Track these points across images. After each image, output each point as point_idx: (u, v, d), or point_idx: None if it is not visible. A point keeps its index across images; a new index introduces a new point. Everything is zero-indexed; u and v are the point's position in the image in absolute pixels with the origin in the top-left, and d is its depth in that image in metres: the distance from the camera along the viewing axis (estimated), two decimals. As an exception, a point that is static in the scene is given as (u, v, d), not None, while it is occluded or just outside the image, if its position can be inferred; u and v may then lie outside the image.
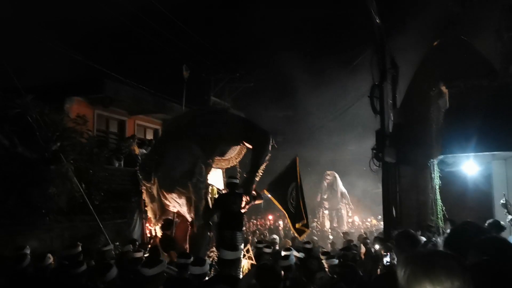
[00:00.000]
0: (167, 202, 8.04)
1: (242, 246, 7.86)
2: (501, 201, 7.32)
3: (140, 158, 12.87)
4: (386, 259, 7.79)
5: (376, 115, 10.28)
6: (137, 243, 8.20)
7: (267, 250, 7.05)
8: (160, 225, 8.30)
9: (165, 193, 7.76)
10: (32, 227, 8.45)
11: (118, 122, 15.02)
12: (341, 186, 24.43)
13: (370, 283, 5.22)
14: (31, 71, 12.54)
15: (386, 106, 10.21)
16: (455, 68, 8.95)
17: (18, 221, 8.13)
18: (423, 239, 6.57)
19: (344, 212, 24.11)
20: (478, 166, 8.76)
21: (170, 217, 8.73)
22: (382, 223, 12.78)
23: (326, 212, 24.02)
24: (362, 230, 18.77)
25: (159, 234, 8.27)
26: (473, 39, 10.22)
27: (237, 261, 4.87)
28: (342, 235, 15.95)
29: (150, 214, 8.27)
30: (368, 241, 11.67)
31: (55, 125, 9.72)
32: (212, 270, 7.21)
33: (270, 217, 22.10)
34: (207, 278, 4.99)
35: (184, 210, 7.76)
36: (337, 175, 24.46)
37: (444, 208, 8.60)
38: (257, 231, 16.29)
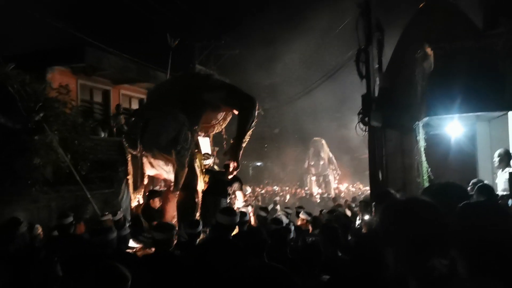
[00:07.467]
0: (155, 170, 8.02)
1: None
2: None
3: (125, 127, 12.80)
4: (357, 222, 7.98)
5: (362, 79, 10.26)
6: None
7: (263, 214, 7.34)
8: (142, 194, 8.28)
9: (151, 161, 7.73)
10: (18, 197, 8.41)
11: (103, 91, 14.81)
12: (328, 152, 24.63)
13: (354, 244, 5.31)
14: (10, 39, 12.22)
15: (372, 70, 10.18)
16: (440, 30, 8.91)
17: (3, 191, 8.07)
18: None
19: (331, 177, 24.39)
20: (462, 127, 8.83)
21: (155, 188, 8.73)
22: (368, 188, 12.96)
23: (314, 178, 24.28)
24: (345, 196, 19.09)
25: (142, 203, 8.26)
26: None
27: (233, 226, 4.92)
28: (331, 200, 16.18)
29: (130, 183, 8.24)
30: (353, 205, 11.86)
31: (37, 95, 9.56)
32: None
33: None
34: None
35: (171, 177, 7.76)
36: (323, 141, 24.62)
37: (429, 169, 8.70)
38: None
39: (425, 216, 1.46)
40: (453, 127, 8.82)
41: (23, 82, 9.26)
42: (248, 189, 10.62)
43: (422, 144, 8.75)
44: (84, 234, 6.16)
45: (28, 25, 13.67)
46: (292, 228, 6.62)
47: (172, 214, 7.66)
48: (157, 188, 8.95)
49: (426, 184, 8.48)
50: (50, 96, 10.13)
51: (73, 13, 18.04)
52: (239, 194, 8.76)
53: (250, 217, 6.82)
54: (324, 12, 20.79)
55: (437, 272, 1.33)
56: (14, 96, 8.53)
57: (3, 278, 3.24)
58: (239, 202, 8.70)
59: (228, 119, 9.09)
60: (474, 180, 6.17)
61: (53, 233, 6.31)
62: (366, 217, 7.37)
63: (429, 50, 8.38)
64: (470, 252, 1.49)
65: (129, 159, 8.04)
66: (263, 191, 22.05)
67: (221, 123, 9.09)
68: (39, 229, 6.49)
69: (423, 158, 8.74)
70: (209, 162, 9.09)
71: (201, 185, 8.20)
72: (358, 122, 10.24)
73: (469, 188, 5.64)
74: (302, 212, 7.97)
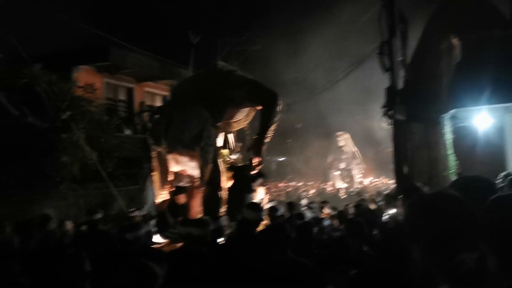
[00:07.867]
0: (179, 166, 8.09)
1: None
2: None
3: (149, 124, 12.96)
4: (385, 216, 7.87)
5: (385, 72, 10.12)
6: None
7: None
8: (167, 191, 8.34)
9: (176, 157, 7.80)
10: (47, 195, 8.60)
11: (127, 89, 15.01)
12: (352, 146, 24.41)
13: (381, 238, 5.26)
14: (37, 40, 12.46)
15: (395, 63, 10.04)
16: (466, 20, 8.73)
17: (32, 189, 8.27)
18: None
19: (355, 172, 24.17)
20: (490, 119, 8.63)
21: (181, 184, 8.79)
22: (392, 181, 12.80)
23: (337, 173, 24.10)
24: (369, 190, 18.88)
25: (168, 199, 8.32)
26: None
27: (259, 221, 4.93)
28: (356, 194, 16.05)
29: (155, 180, 8.31)
30: (378, 199, 11.74)
31: (64, 94, 9.76)
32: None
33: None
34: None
35: (196, 173, 7.82)
36: (348, 135, 24.39)
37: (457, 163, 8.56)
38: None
39: (452, 211, 1.44)
40: (481, 119, 8.64)
41: (50, 81, 9.46)
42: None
43: (449, 137, 8.61)
44: (112, 230, 6.25)
45: (54, 26, 13.92)
46: (328, 221, 6.66)
47: (197, 210, 7.71)
48: (182, 184, 9.03)
49: (453, 178, 8.35)
50: (76, 95, 10.31)
51: (96, 13, 18.31)
52: (260, 189, 8.76)
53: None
54: (347, 4, 20.53)
55: (465, 267, 1.31)
56: (41, 96, 8.74)
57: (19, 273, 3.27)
58: (258, 197, 8.68)
59: (252, 115, 9.07)
60: (504, 173, 6.03)
61: (81, 229, 6.44)
62: (392, 210, 7.28)
63: (455, 41, 8.23)
64: (500, 246, 1.47)
65: (154, 155, 8.12)
66: (287, 185, 22.03)
67: (245, 120, 9.08)
68: (69, 225, 6.64)
69: (450, 151, 8.60)
70: (234, 157, 9.12)
71: (225, 181, 8.23)
72: (383, 115, 10.12)
73: (498, 181, 5.51)
74: (326, 206, 7.94)
